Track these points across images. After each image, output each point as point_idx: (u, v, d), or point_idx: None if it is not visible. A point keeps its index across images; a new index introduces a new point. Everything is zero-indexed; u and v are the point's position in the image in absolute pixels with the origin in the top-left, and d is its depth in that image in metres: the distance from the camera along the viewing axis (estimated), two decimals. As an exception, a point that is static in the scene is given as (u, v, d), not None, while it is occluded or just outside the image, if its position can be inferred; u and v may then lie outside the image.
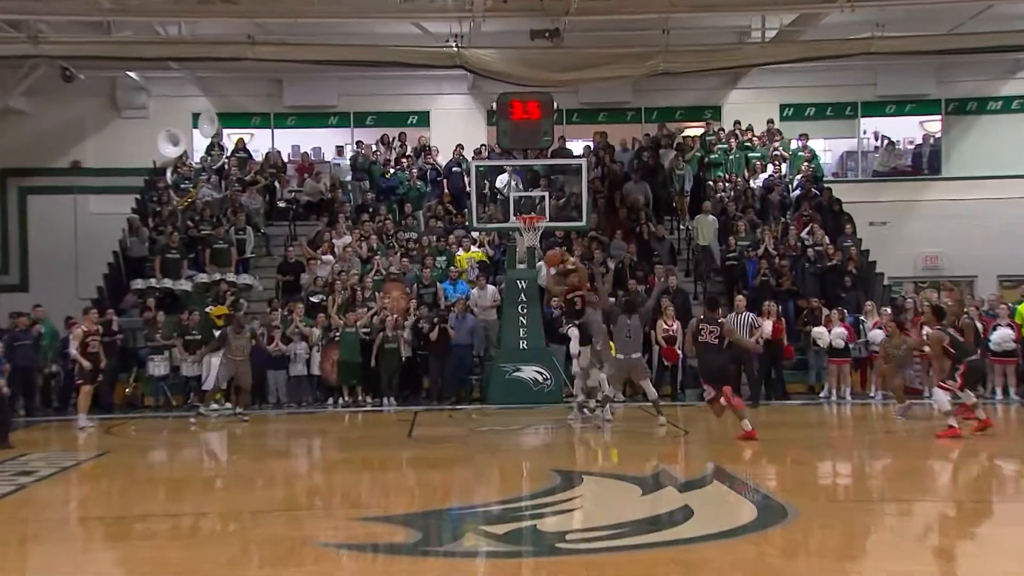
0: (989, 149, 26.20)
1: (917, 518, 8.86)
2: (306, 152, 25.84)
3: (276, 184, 24.48)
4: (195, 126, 26.07)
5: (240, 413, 17.11)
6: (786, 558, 7.21)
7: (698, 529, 8.13)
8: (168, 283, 21.08)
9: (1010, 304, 19.06)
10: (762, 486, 10.31)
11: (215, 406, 18.49)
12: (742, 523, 8.33)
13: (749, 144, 24.86)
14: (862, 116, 26.69)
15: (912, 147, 26.93)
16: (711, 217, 22.59)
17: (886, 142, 26.71)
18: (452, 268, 20.96)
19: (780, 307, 19.50)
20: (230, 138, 25.69)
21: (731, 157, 24.61)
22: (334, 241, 21.97)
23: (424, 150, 25.11)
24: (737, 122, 25.37)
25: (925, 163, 26.73)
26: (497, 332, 19.85)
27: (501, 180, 22.01)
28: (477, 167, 21.01)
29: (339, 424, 16.99)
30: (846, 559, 7.40)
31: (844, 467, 12.06)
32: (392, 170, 24.48)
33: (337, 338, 19.18)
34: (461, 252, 21.63)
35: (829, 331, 19.03)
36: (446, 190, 24.23)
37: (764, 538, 7.89)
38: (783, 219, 22.98)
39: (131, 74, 25.33)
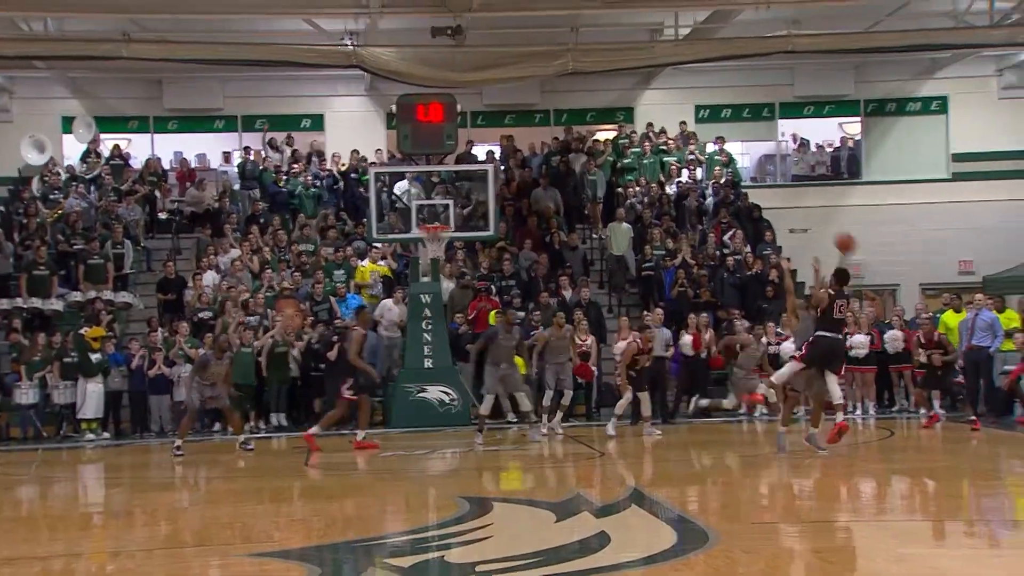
0: (909, 152, 26.95)
1: (844, 540, 9.01)
2: (185, 159, 25.43)
3: (157, 194, 24.04)
4: (65, 131, 25.49)
5: (245, 442, 16.43)
6: (708, 584, 7.27)
7: (615, 556, 8.14)
8: (36, 303, 20.51)
9: (934, 314, 19.58)
10: (682, 509, 10.39)
11: (91, 436, 18.07)
12: (661, 548, 8.37)
13: (664, 148, 25.15)
14: (780, 118, 27.23)
15: (831, 150, 27.54)
16: (625, 225, 22.81)
17: (799, 142, 27.29)
18: (340, 284, 20.79)
19: (702, 319, 19.67)
20: (105, 144, 25.18)
21: (645, 162, 24.86)
22: (218, 258, 21.62)
23: (318, 155, 24.91)
24: (650, 124, 25.68)
25: (845, 166, 27.36)
26: (400, 350, 19.75)
27: (401, 187, 21.94)
28: (376, 174, 20.90)
29: (228, 453, 16.70)
30: (770, 584, 7.49)
31: (766, 487, 12.22)
32: (284, 177, 24.23)
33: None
34: (365, 263, 21.47)
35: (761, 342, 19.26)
36: (343, 199, 24.07)
37: (685, 564, 7.93)
38: (700, 226, 23.29)
39: (-9, 74, 24.72)
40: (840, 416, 13.39)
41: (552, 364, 17.24)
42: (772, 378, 14.13)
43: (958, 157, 26.70)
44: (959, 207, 25.72)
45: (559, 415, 17.18)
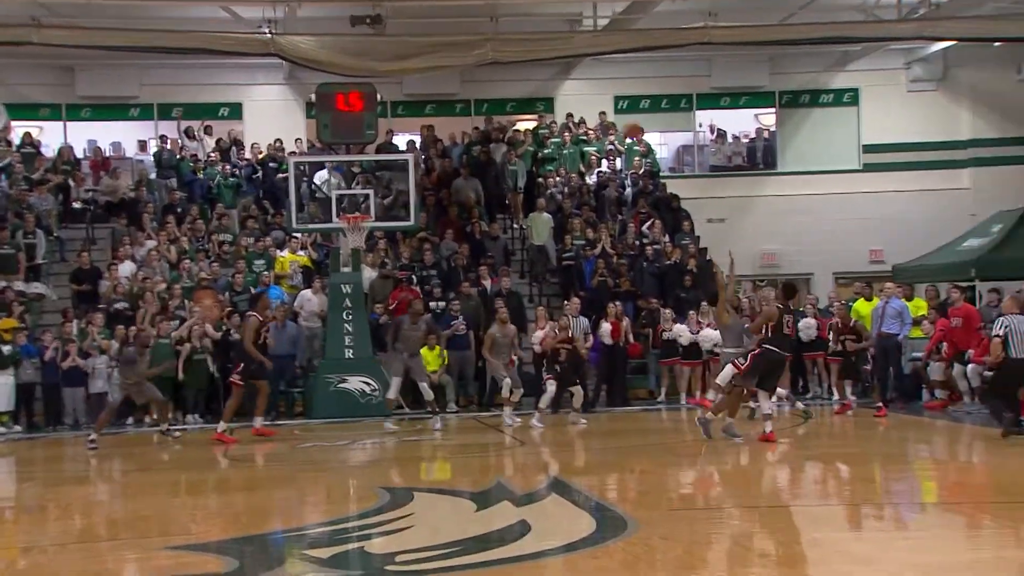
0: (822, 143, 27.43)
1: (760, 525, 9.15)
2: (99, 147, 24.94)
3: (70, 183, 23.55)
4: (-28, 119, 24.85)
5: (169, 430, 16.38)
6: (626, 571, 7.34)
7: (535, 544, 8.19)
8: (-54, 294, 19.98)
9: (846, 302, 19.94)
10: (601, 497, 10.47)
11: (2, 429, 17.71)
12: (580, 536, 8.43)
13: (583, 138, 25.27)
14: (697, 108, 27.50)
15: (747, 140, 27.91)
16: (545, 215, 22.89)
17: (716, 132, 27.61)
18: (265, 273, 20.59)
19: (620, 307, 19.83)
20: (16, 132, 24.61)
21: (565, 152, 24.96)
22: (134, 248, 21.24)
23: (236, 144, 24.61)
24: (570, 115, 25.78)
25: (760, 157, 27.74)
26: (321, 341, 19.62)
27: (321, 177, 21.76)
28: (296, 163, 20.72)
29: (144, 445, 16.47)
30: (687, 570, 7.57)
31: (686, 474, 12.36)
32: (203, 167, 23.89)
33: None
34: (284, 254, 21.28)
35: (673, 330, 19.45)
36: (262, 188, 23.83)
37: (604, 552, 8.00)
38: (620, 216, 23.45)
39: None
40: (769, 427, 13.52)
41: (500, 359, 17.16)
42: (717, 380, 14.18)
43: (869, 148, 27.21)
44: (870, 197, 26.22)
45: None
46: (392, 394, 16.81)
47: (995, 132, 26.98)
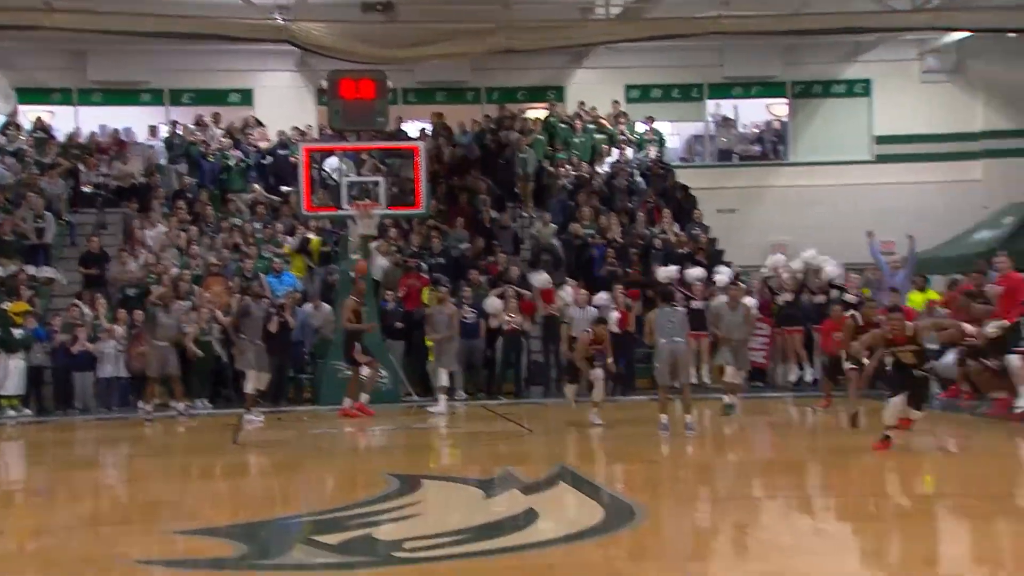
0: (834, 133, 27.35)
1: (767, 515, 9.16)
2: (115, 131, 24.96)
3: (81, 167, 23.59)
4: (-17, 102, 24.89)
5: (184, 411, 16.77)
6: (633, 560, 7.36)
7: (543, 533, 8.22)
8: (-44, 277, 20.06)
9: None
10: (609, 486, 10.49)
11: (12, 412, 17.78)
12: (588, 525, 8.45)
13: (594, 127, 25.23)
14: (709, 98, 27.44)
15: (759, 131, 27.86)
16: (550, 226, 22.67)
17: (722, 118, 27.57)
18: (276, 259, 20.61)
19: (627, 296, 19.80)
20: (27, 116, 24.65)
21: (576, 140, 24.93)
22: (145, 233, 21.29)
23: (246, 130, 24.61)
24: (582, 103, 25.74)
25: (772, 147, 27.69)
26: (331, 328, 19.65)
27: (331, 164, 21.77)
28: (306, 150, 20.72)
29: (155, 429, 16.53)
30: (695, 559, 7.59)
31: (693, 464, 12.37)
32: (213, 152, 23.91)
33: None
34: (292, 240, 21.30)
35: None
36: (272, 174, 23.84)
37: (611, 540, 8.02)
38: (629, 206, 23.43)
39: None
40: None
41: (434, 339, 17.32)
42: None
43: (881, 139, 27.14)
44: (881, 188, 26.15)
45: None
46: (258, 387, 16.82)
47: (1008, 124, 26.89)
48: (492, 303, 19.33)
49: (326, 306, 19.70)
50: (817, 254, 20.21)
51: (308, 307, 19.77)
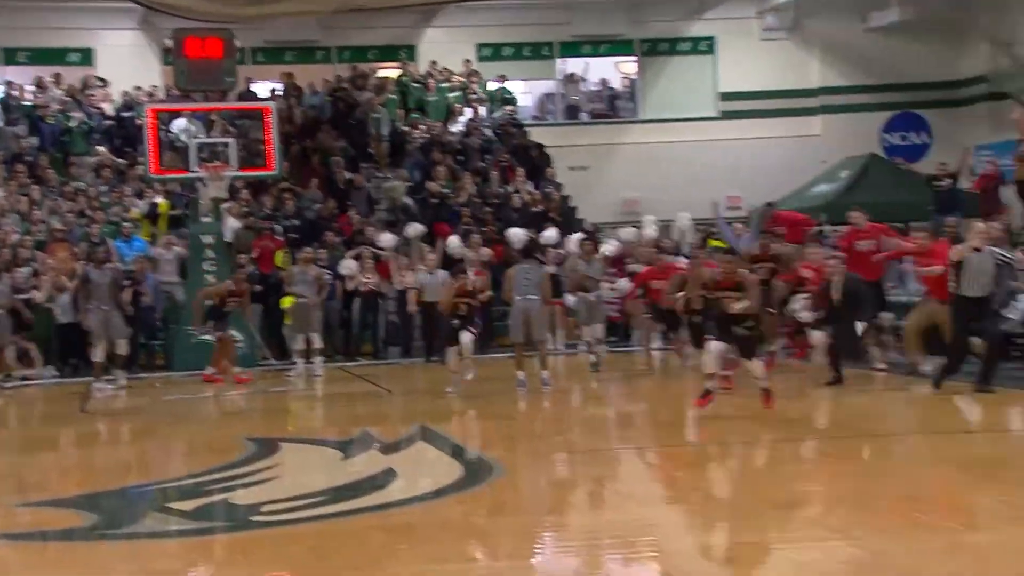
0: (682, 91, 27.73)
1: (623, 467, 9.31)
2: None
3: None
4: None
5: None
6: (492, 516, 7.40)
7: (402, 492, 8.20)
8: None
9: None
10: (467, 444, 10.52)
11: None
12: (448, 483, 8.46)
13: (447, 86, 25.09)
14: (559, 56, 27.53)
15: (609, 89, 28.09)
16: (397, 182, 22.50)
17: (569, 75, 27.73)
18: (126, 224, 19.98)
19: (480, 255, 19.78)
20: None
21: (430, 99, 24.76)
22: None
23: (87, 90, 23.69)
24: (434, 62, 25.54)
25: (622, 105, 27.97)
26: (182, 293, 19.20)
27: (179, 125, 21.16)
28: (153, 111, 20.08)
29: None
30: (553, 512, 7.67)
31: (550, 419, 12.49)
32: (53, 114, 22.96)
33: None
34: (141, 204, 20.64)
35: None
36: (117, 137, 23.05)
37: (470, 497, 8.06)
38: (483, 164, 23.42)
39: None
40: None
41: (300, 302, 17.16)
42: None
43: (726, 96, 27.63)
44: (727, 144, 26.65)
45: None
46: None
47: (843, 80, 27.67)
48: (347, 265, 19.12)
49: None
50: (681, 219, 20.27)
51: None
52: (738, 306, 10.55)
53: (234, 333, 17.44)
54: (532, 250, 14.91)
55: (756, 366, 10.78)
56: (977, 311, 11.80)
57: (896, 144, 27.16)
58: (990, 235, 12.29)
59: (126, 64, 24.79)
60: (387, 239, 19.70)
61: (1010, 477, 8.11)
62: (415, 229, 20.01)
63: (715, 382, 10.88)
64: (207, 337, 16.69)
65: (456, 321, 13.79)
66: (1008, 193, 18.60)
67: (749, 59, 27.42)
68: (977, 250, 11.75)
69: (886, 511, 7.15)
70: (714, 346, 10.76)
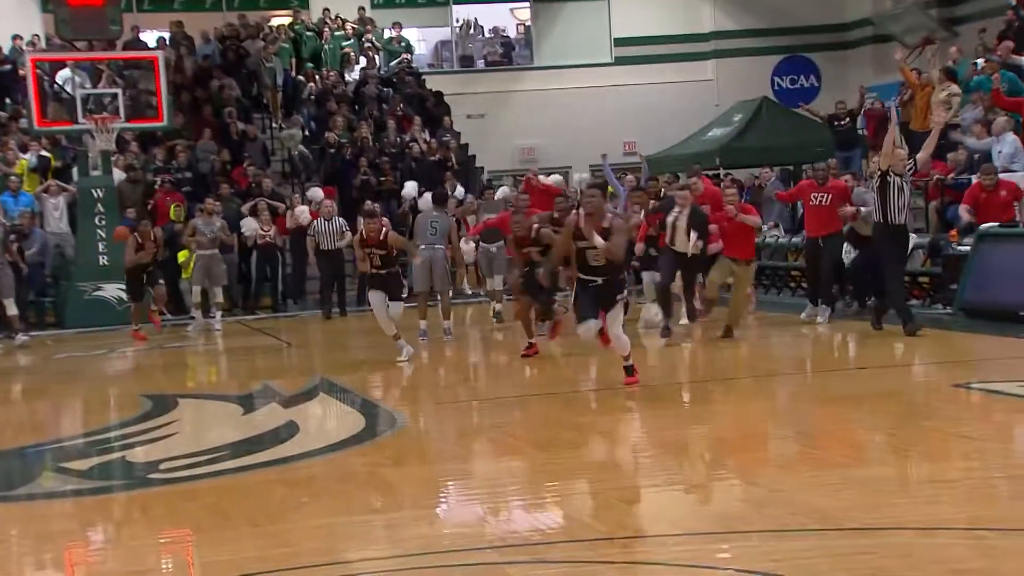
0: (576, 37, 27.70)
1: (525, 412, 9.33)
2: None
3: None
4: None
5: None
6: (396, 466, 7.35)
7: (304, 445, 8.10)
8: None
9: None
10: (369, 395, 10.44)
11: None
12: (350, 434, 8.40)
13: (341, 34, 24.68)
14: (454, 3, 27.24)
15: (504, 36, 27.95)
16: (293, 130, 22.12)
17: (468, 25, 27.51)
18: (12, 178, 19.29)
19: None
20: None
21: (326, 47, 24.34)
22: None
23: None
24: (327, 10, 25.06)
25: (517, 52, 27.85)
26: (72, 247, 18.67)
27: (64, 76, 20.42)
28: (34, 61, 19.33)
29: None
30: (454, 460, 7.66)
31: (451, 369, 12.46)
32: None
33: None
34: (28, 156, 19.94)
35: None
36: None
37: (373, 447, 8.00)
38: (379, 114, 23.12)
39: None
40: None
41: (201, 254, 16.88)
42: None
43: (620, 42, 27.66)
44: (622, 90, 26.74)
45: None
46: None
47: (734, 24, 27.90)
48: (248, 224, 18.62)
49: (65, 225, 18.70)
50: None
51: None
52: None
53: (124, 288, 17.08)
54: (440, 199, 14.74)
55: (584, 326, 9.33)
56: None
57: (786, 88, 27.54)
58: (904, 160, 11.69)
59: (4, 12, 23.83)
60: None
61: (896, 411, 8.32)
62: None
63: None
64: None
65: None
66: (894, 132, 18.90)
67: (642, 4, 27.50)
68: (898, 175, 11.32)
69: (780, 449, 7.28)
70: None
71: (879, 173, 11.47)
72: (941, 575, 4.71)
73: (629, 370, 9.38)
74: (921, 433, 7.62)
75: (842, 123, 19.37)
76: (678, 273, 12.64)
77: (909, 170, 11.67)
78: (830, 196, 12.80)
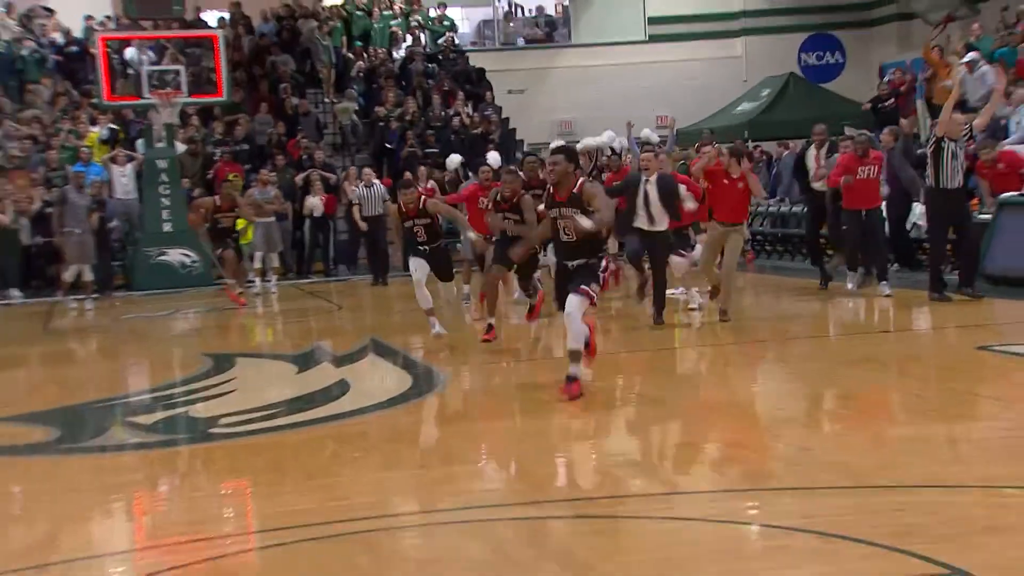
0: (612, 16, 27.38)
1: (557, 374, 9.20)
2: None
3: None
4: None
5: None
6: (441, 423, 7.29)
7: (354, 403, 8.04)
8: None
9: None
10: (416, 355, 10.36)
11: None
12: (398, 393, 8.33)
13: (389, 13, 24.55)
14: (497, -17, 27.01)
15: (544, 15, 27.73)
16: (347, 103, 22.04)
17: (512, 7, 27.26)
18: (83, 149, 19.34)
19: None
20: None
21: (374, 27, 24.21)
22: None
23: (34, 19, 22.71)
24: (376, -10, 24.90)
25: (557, 30, 27.64)
26: (139, 214, 18.73)
27: (130, 53, 20.44)
28: (104, 40, 19.36)
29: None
30: (496, 418, 7.56)
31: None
32: (5, 43, 22.05)
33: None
34: (97, 129, 19.99)
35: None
36: (70, 65, 22.23)
37: (419, 406, 7.93)
38: (425, 89, 22.98)
39: None
40: None
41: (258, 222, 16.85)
42: None
43: (653, 20, 27.33)
44: (655, 67, 26.45)
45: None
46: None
47: (762, 3, 27.44)
48: (310, 202, 18.51)
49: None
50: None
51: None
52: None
53: (187, 253, 17.11)
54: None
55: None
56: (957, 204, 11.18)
57: (812, 64, 27.08)
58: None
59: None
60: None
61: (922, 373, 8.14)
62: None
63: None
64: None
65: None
66: (920, 104, 18.46)
67: (674, -17, 27.10)
68: (953, 140, 10.76)
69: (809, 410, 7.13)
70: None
71: (934, 139, 11.09)
72: (968, 532, 4.57)
73: (570, 378, 7.49)
74: (948, 394, 7.45)
75: (886, 104, 18.83)
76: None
77: (964, 136, 11.22)
78: (875, 167, 12.17)
